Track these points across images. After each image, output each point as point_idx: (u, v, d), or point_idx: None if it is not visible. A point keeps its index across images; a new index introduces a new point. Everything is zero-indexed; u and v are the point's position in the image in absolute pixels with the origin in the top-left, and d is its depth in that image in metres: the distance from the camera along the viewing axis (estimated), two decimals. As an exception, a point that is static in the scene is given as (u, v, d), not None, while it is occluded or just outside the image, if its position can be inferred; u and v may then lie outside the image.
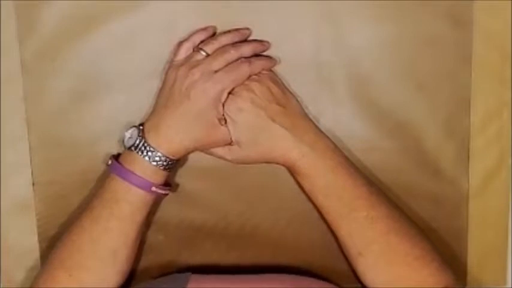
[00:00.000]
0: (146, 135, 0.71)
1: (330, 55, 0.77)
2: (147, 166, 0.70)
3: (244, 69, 0.72)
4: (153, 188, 0.71)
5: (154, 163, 0.70)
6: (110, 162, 0.73)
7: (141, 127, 0.72)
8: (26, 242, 0.78)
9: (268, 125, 0.72)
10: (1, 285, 0.78)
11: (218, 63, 0.72)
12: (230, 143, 0.73)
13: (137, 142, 0.71)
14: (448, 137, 0.78)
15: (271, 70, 0.75)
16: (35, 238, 0.78)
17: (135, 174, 0.70)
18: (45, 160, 0.77)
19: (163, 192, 0.73)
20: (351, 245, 0.73)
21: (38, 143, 0.77)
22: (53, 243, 0.75)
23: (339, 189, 0.72)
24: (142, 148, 0.70)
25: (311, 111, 0.76)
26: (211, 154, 0.75)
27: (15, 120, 0.77)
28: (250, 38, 0.76)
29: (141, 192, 0.71)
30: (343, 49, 0.77)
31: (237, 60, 0.72)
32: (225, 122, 0.72)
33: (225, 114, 0.72)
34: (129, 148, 0.71)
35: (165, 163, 0.71)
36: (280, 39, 0.76)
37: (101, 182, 0.73)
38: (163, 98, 0.72)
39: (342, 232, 0.73)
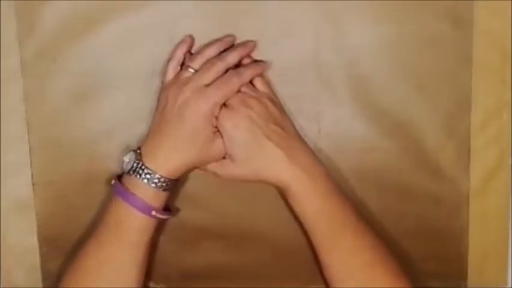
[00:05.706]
0: (144, 159, 0.71)
1: (330, 55, 0.77)
2: (147, 189, 0.70)
3: (235, 81, 0.72)
4: (153, 213, 0.71)
5: (154, 185, 0.70)
6: (113, 182, 0.73)
7: (138, 151, 0.72)
8: (26, 242, 0.78)
9: (264, 144, 0.71)
10: (1, 285, 0.78)
11: (207, 77, 0.71)
12: (224, 157, 0.73)
13: (135, 166, 0.70)
14: (448, 137, 0.78)
15: (271, 90, 0.75)
16: (35, 238, 0.78)
17: (136, 196, 0.70)
18: (45, 160, 0.77)
19: (163, 217, 0.72)
20: (333, 273, 0.72)
21: (38, 143, 0.77)
22: (53, 243, 0.75)
23: (329, 216, 0.72)
24: (140, 171, 0.70)
25: (311, 111, 0.76)
26: (204, 170, 0.74)
27: (15, 120, 0.77)
28: (251, 39, 0.75)
29: (142, 216, 0.70)
30: (343, 49, 0.77)
31: (225, 72, 0.72)
32: (219, 132, 0.72)
33: (221, 129, 0.72)
34: (128, 172, 0.71)
35: (164, 184, 0.70)
36: (280, 39, 0.76)
37: (105, 205, 0.73)
38: (157, 121, 0.72)
39: (326, 257, 0.72)
